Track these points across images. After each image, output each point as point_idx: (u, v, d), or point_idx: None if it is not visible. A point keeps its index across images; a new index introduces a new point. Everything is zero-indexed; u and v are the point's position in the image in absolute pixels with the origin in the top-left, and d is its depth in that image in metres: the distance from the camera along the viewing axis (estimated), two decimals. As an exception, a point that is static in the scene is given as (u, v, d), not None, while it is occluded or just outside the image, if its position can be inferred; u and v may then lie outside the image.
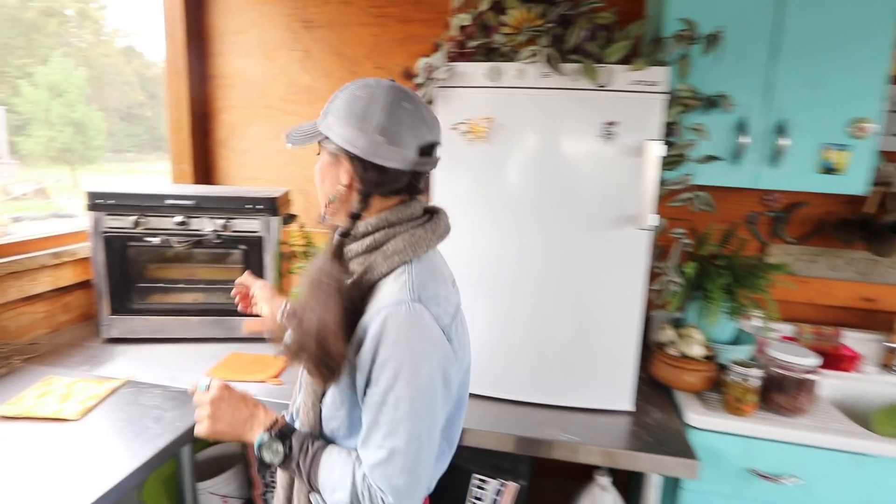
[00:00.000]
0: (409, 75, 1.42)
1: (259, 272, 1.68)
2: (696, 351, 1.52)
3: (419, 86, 1.39)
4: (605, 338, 1.37)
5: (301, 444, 0.90)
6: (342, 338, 0.82)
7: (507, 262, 1.38)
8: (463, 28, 1.38)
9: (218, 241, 1.65)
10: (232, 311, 1.53)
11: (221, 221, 1.63)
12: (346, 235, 0.89)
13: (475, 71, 1.29)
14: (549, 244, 1.34)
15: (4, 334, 1.57)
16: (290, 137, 0.93)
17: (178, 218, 1.62)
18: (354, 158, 0.85)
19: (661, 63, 1.24)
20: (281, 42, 2.14)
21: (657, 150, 1.22)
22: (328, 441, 0.92)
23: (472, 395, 1.44)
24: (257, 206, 1.65)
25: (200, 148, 2.24)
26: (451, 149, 1.34)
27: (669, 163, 1.35)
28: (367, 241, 0.88)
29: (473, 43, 1.38)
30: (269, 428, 0.91)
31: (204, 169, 2.27)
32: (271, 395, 1.37)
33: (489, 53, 1.39)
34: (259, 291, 1.26)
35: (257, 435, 0.91)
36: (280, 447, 0.90)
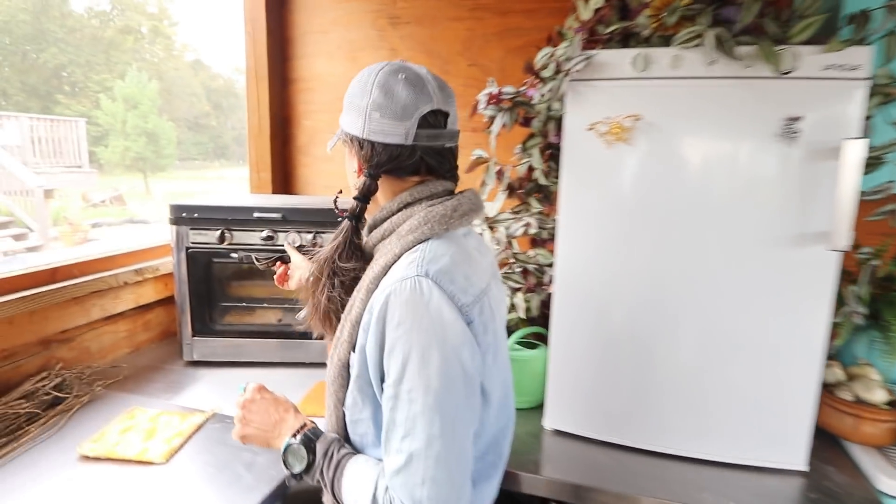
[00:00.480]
0: (529, 69, 1.22)
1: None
2: (878, 396, 1.23)
3: (543, 80, 1.19)
4: (774, 380, 1.11)
5: (326, 450, 0.84)
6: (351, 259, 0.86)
7: (650, 288, 1.15)
8: (597, 11, 1.17)
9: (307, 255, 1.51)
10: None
11: (310, 235, 1.49)
12: (356, 220, 0.87)
13: (619, 60, 1.07)
14: (705, 268, 1.11)
15: (86, 356, 1.48)
16: (331, 141, 0.92)
17: (265, 232, 1.48)
18: (355, 140, 0.84)
19: (864, 42, 0.99)
20: (366, 41, 1.99)
21: (857, 150, 0.96)
22: (357, 450, 0.86)
23: (607, 444, 1.21)
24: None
25: (280, 155, 2.13)
26: (583, 153, 1.13)
27: (865, 166, 1.09)
28: (386, 225, 0.85)
29: (608, 29, 1.16)
30: (296, 432, 0.86)
31: (283, 177, 2.15)
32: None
33: (626, 40, 1.17)
34: (296, 259, 1.28)
35: (284, 440, 0.86)
36: (305, 453, 0.84)
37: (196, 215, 1.47)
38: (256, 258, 1.45)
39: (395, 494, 0.72)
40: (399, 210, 0.84)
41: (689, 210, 1.10)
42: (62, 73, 21.41)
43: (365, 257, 0.88)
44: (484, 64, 1.86)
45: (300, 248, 1.40)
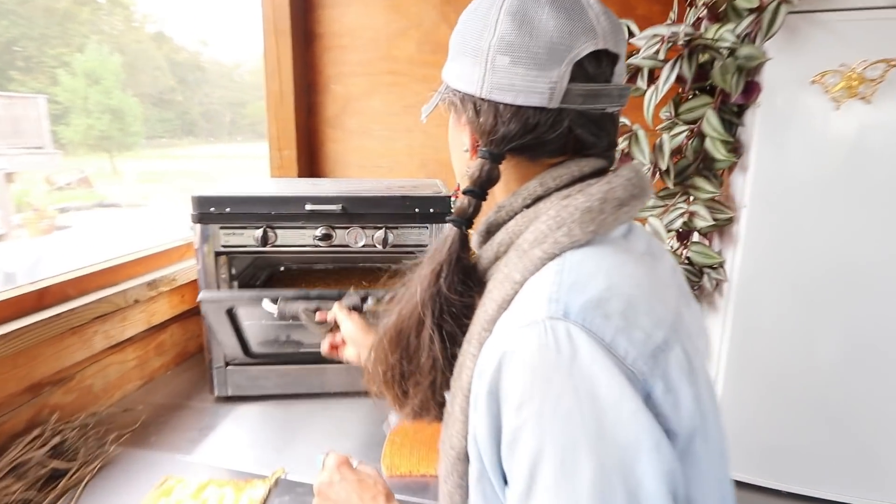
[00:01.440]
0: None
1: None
2: None
3: (720, 15, 0.85)
4: None
5: None
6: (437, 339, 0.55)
7: (857, 306, 0.85)
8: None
9: (379, 258, 1.18)
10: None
11: (379, 233, 1.14)
12: (467, 224, 0.56)
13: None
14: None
15: (88, 398, 1.13)
16: (426, 108, 0.64)
17: (320, 230, 1.13)
18: (468, 102, 0.55)
19: None
20: (412, -16, 1.62)
21: None
22: None
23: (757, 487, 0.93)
24: (431, 210, 1.15)
25: (304, 129, 1.75)
26: (794, 116, 0.82)
27: None
28: (500, 236, 0.55)
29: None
30: None
31: (308, 155, 1.78)
32: None
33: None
34: (348, 330, 0.89)
35: None
36: None
37: (228, 210, 1.11)
38: (307, 312, 1.03)
39: None
40: (524, 208, 0.55)
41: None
42: (14, 47, 20.03)
43: (480, 285, 0.57)
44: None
45: (358, 309, 0.98)
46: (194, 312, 1.42)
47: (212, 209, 1.11)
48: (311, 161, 1.79)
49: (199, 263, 1.14)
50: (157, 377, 1.33)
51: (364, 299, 1.02)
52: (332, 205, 1.13)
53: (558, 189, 0.53)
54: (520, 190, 0.55)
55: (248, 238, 1.13)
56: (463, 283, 0.56)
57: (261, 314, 1.11)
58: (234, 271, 1.20)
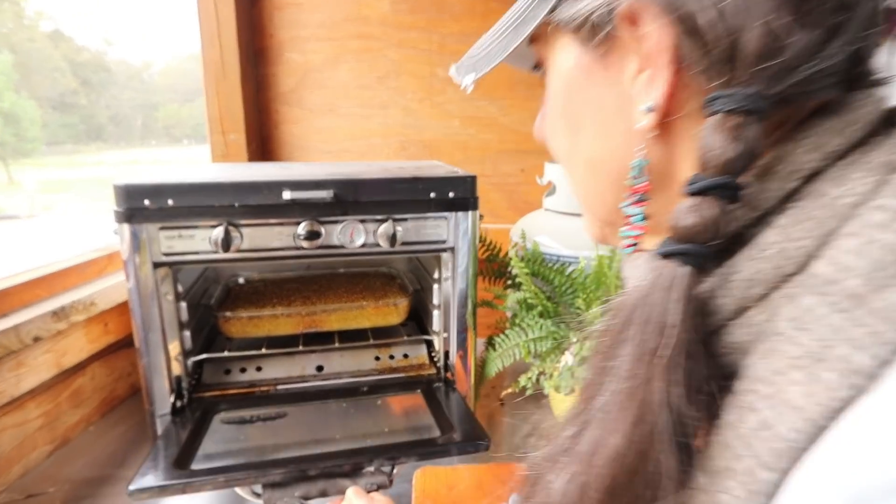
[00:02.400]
0: None
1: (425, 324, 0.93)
2: None
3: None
4: None
5: None
6: None
7: None
8: None
9: (382, 261, 0.89)
10: (391, 388, 0.80)
11: (384, 227, 0.86)
12: (704, 259, 0.26)
13: None
14: None
15: (-30, 484, 0.77)
16: (470, 64, 0.41)
17: (304, 226, 0.83)
18: (680, 20, 0.26)
19: None
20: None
21: None
22: None
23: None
24: (451, 195, 0.88)
25: (253, 107, 1.42)
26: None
27: None
28: (748, 267, 0.27)
29: None
30: None
31: (260, 140, 1.46)
32: None
33: None
34: None
35: None
36: None
37: (171, 202, 0.78)
38: None
39: None
40: (785, 202, 0.27)
41: None
42: None
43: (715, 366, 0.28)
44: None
45: (385, 486, 0.75)
46: (123, 345, 1.07)
47: (146, 202, 0.78)
48: (263, 146, 1.46)
49: (131, 280, 0.81)
50: (75, 438, 0.97)
51: (392, 467, 0.76)
52: (319, 191, 0.83)
53: (841, 155, 0.27)
54: (777, 167, 0.28)
55: (201, 241, 0.81)
56: (701, 382, 0.27)
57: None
58: (180, 288, 0.88)
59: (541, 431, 0.32)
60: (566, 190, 1.14)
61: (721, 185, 0.26)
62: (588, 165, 0.35)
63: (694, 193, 0.27)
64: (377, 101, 1.42)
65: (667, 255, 0.27)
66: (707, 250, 0.27)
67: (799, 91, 0.27)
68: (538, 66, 0.39)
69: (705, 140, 0.26)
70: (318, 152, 1.47)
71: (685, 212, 0.27)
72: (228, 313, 0.96)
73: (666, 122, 0.29)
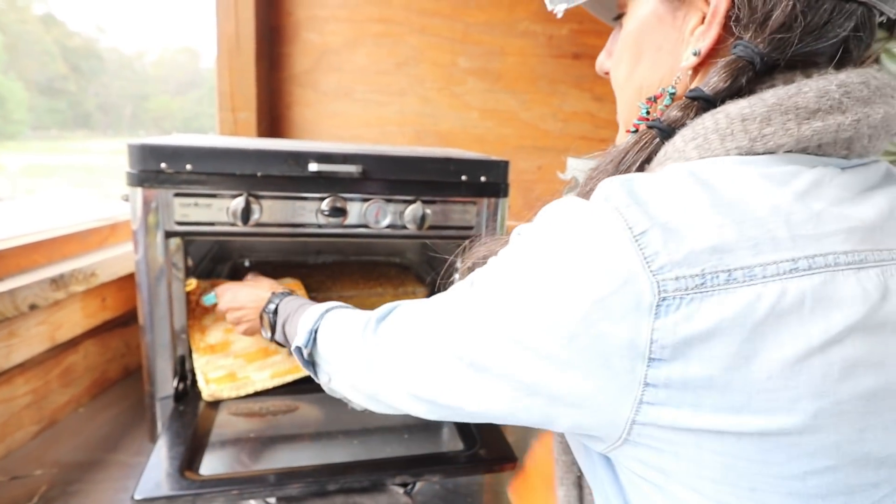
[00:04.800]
0: None
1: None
2: None
3: None
4: None
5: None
6: None
7: None
8: None
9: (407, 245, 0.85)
10: None
11: (412, 208, 0.81)
12: (668, 135, 0.39)
13: None
14: None
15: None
16: None
17: (328, 202, 0.78)
18: None
19: None
20: None
21: None
22: None
23: None
24: (482, 179, 0.84)
25: (266, 86, 1.37)
26: None
27: None
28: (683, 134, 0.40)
29: None
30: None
31: (271, 119, 1.40)
32: None
33: None
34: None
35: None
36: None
37: (189, 167, 0.73)
38: None
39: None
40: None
41: None
42: None
43: None
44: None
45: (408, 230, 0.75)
46: (119, 323, 1.01)
47: (163, 165, 0.73)
48: (273, 126, 1.41)
49: (139, 249, 0.75)
50: (64, 420, 0.91)
51: (413, 484, 0.76)
52: (346, 165, 0.78)
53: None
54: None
55: (217, 211, 0.76)
56: None
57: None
58: (190, 263, 0.83)
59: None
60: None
61: (706, 99, 0.37)
62: (637, 89, 0.45)
63: (689, 97, 0.38)
64: (395, 88, 1.38)
65: (650, 127, 0.40)
66: (668, 128, 0.39)
67: (786, 59, 0.37)
68: (619, 16, 0.46)
69: (716, 70, 0.37)
70: (331, 137, 1.42)
71: (675, 108, 0.39)
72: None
73: (698, 64, 0.39)
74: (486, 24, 1.34)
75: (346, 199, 0.79)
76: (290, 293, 0.72)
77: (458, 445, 0.77)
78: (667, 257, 0.31)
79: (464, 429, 0.80)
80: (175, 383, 0.81)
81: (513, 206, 1.41)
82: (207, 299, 0.82)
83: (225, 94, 1.32)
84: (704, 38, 0.38)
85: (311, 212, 0.79)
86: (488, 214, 0.86)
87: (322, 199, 0.78)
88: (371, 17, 1.34)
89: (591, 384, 0.33)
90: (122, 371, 1.05)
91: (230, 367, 0.84)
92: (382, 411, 0.53)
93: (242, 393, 0.83)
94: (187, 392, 0.82)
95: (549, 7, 0.48)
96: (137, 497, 0.59)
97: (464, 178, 0.83)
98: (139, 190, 0.73)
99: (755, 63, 0.36)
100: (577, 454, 0.48)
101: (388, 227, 0.82)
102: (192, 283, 0.84)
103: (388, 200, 0.81)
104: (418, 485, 0.76)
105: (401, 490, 0.74)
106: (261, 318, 0.71)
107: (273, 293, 0.71)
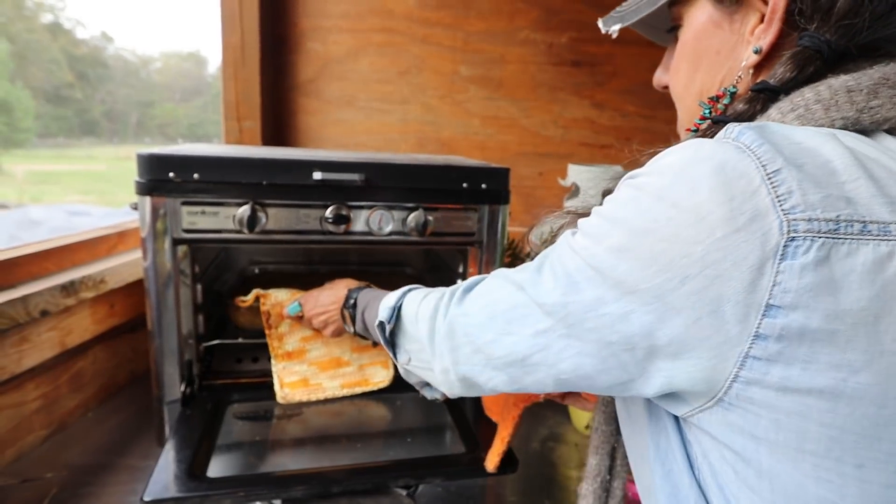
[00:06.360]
0: None
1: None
2: None
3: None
4: None
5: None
6: None
7: None
8: None
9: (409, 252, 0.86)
10: (411, 387, 0.77)
11: (414, 215, 0.83)
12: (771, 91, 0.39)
13: None
14: None
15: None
16: (617, 17, 0.49)
17: (332, 210, 0.80)
18: None
19: None
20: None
21: None
22: None
23: None
24: (483, 187, 0.85)
25: (270, 95, 1.39)
26: None
27: None
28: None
29: None
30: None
31: (275, 128, 1.42)
32: None
33: None
34: None
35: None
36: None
37: (197, 177, 0.75)
38: None
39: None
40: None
41: None
42: None
43: None
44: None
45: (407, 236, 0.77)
46: (127, 329, 1.03)
47: (171, 175, 0.74)
48: (278, 135, 1.43)
49: (148, 256, 0.77)
50: (73, 424, 0.92)
51: (416, 487, 0.77)
52: (349, 173, 0.80)
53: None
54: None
55: (224, 219, 0.78)
56: None
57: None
58: (197, 269, 0.84)
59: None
60: (590, 192, 1.13)
61: (773, 90, 0.38)
62: (698, 94, 0.45)
63: (754, 90, 0.39)
64: (397, 96, 1.40)
65: (715, 122, 0.41)
66: (735, 122, 0.37)
67: (855, 47, 0.37)
68: (673, 28, 0.47)
69: (781, 63, 0.38)
70: (334, 145, 1.44)
71: (740, 102, 0.40)
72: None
73: (759, 62, 0.41)
74: (486, 33, 1.36)
75: (349, 207, 0.81)
76: (367, 286, 0.75)
77: (460, 448, 0.78)
78: (801, 197, 0.29)
79: (465, 432, 0.81)
80: (182, 387, 0.82)
81: (514, 212, 1.43)
82: (292, 309, 0.84)
83: (230, 103, 1.34)
84: (766, 35, 0.39)
85: (315, 219, 0.80)
86: (490, 221, 0.87)
87: (326, 206, 0.80)
88: (373, 28, 1.36)
89: (695, 333, 0.31)
90: (130, 376, 1.07)
91: (304, 374, 0.88)
92: (456, 393, 0.50)
93: (314, 398, 0.87)
94: (194, 396, 0.84)
95: (604, 29, 0.49)
96: (146, 499, 0.61)
97: (465, 185, 0.85)
98: (148, 198, 0.75)
99: (823, 51, 0.37)
100: (635, 423, 0.45)
101: (390, 233, 0.83)
102: (250, 297, 0.87)
103: (391, 208, 0.83)
104: (421, 487, 0.77)
105: (403, 492, 0.75)
106: (342, 315, 0.74)
107: (349, 289, 0.74)
